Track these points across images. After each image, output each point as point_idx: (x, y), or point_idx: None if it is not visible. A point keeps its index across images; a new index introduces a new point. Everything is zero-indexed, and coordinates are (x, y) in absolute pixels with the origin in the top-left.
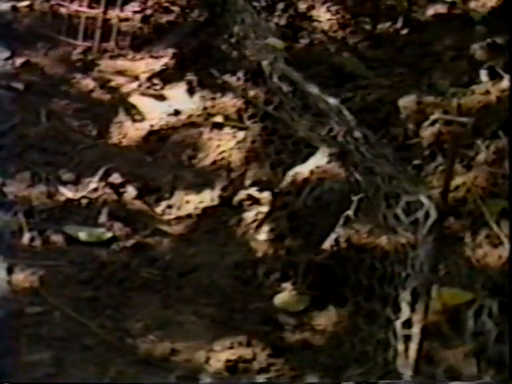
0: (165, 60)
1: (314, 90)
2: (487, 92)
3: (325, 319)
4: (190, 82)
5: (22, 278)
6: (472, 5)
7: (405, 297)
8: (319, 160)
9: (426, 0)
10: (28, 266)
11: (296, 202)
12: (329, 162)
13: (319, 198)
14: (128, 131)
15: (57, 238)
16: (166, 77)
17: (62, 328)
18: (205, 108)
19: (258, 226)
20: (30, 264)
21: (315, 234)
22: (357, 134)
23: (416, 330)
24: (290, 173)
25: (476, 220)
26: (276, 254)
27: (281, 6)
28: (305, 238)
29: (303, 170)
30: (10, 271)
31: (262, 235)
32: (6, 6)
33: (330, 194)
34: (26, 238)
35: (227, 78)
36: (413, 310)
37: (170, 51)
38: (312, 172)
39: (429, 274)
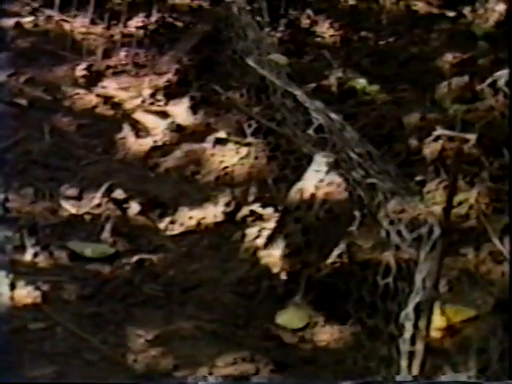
0: (168, 76)
1: (317, 105)
2: (491, 108)
3: (327, 335)
4: (193, 98)
5: (24, 293)
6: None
7: (408, 313)
8: (317, 168)
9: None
10: (31, 282)
11: (308, 216)
12: (328, 172)
13: (330, 210)
14: (131, 147)
15: (60, 254)
16: (170, 93)
17: (65, 343)
18: (208, 124)
19: (268, 242)
20: (33, 280)
21: (329, 246)
22: (360, 149)
23: (419, 347)
24: (295, 189)
25: (479, 236)
26: (293, 269)
27: (284, 21)
28: (319, 251)
29: (307, 184)
30: (12, 287)
31: (277, 251)
32: (9, 23)
33: (339, 207)
34: (29, 253)
35: (230, 93)
36: (416, 326)
37: (174, 67)
38: (317, 187)
39: (432, 290)
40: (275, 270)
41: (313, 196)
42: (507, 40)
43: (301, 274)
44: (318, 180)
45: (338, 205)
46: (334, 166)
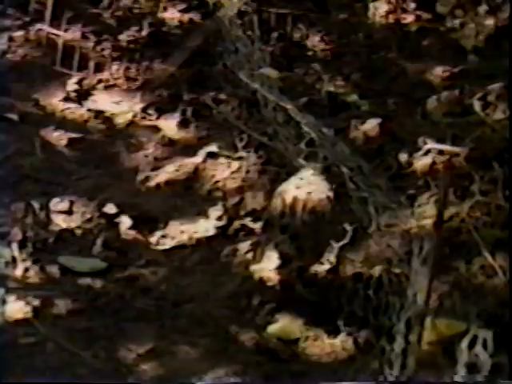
0: (159, 90)
1: (308, 119)
2: (481, 122)
3: (319, 349)
4: (184, 112)
5: (15, 308)
6: (466, 32)
7: (399, 327)
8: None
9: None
10: (22, 297)
11: (294, 222)
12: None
13: (313, 211)
14: (123, 161)
15: (51, 269)
16: (161, 107)
17: (56, 358)
18: (199, 138)
19: (257, 255)
20: (24, 295)
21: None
22: (351, 163)
23: (411, 360)
24: (276, 194)
25: (470, 250)
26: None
27: (275, 35)
28: (312, 254)
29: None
30: (3, 302)
31: (272, 264)
32: (1, 37)
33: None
34: (19, 268)
35: (222, 107)
36: (407, 340)
37: (165, 81)
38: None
39: (423, 304)
40: (268, 282)
41: (295, 200)
42: (497, 54)
43: (292, 288)
44: (299, 184)
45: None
46: (319, 173)
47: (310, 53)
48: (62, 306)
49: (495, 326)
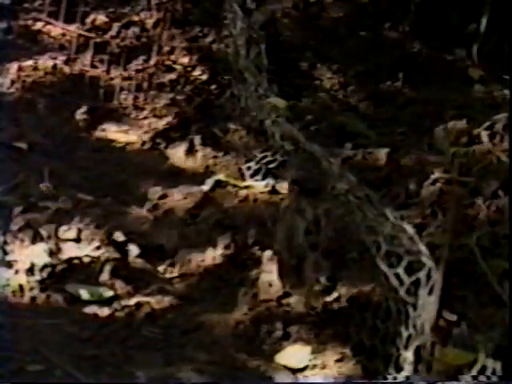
0: (168, 119)
1: (315, 148)
2: (488, 152)
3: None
4: (192, 141)
5: (23, 336)
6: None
7: (407, 357)
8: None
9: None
10: (29, 325)
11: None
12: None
13: None
14: (131, 189)
15: (58, 297)
16: (169, 136)
17: None
18: (207, 166)
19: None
20: (32, 323)
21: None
22: (358, 192)
23: None
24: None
25: (478, 280)
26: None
27: (283, 64)
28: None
29: None
30: (11, 330)
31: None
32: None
33: None
34: (27, 296)
35: (229, 136)
36: (415, 370)
37: (173, 110)
38: None
39: (431, 334)
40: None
41: None
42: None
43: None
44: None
45: None
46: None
47: (317, 82)
48: (69, 333)
49: (503, 357)
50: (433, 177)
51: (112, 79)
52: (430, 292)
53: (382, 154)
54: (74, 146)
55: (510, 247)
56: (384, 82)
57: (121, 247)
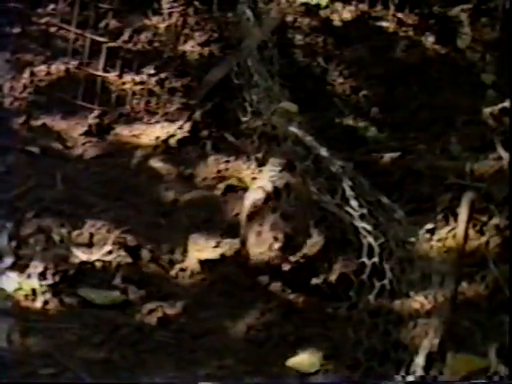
0: (180, 123)
1: (327, 153)
2: (499, 157)
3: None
4: (204, 145)
5: (35, 340)
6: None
7: (419, 362)
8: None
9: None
10: (42, 329)
11: None
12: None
13: None
14: (143, 194)
15: (71, 301)
16: (181, 140)
17: None
18: (219, 171)
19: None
20: (44, 327)
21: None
22: (370, 197)
23: None
24: None
25: (490, 286)
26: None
27: (295, 69)
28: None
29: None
30: (23, 334)
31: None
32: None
33: None
34: (39, 300)
35: (241, 141)
36: (427, 375)
37: (185, 114)
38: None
39: (443, 339)
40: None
41: None
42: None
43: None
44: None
45: None
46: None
47: (329, 87)
48: (81, 338)
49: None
50: (445, 182)
51: (124, 84)
52: (443, 297)
53: (394, 158)
54: (87, 150)
55: (511, 247)
56: (396, 86)
57: (133, 252)
